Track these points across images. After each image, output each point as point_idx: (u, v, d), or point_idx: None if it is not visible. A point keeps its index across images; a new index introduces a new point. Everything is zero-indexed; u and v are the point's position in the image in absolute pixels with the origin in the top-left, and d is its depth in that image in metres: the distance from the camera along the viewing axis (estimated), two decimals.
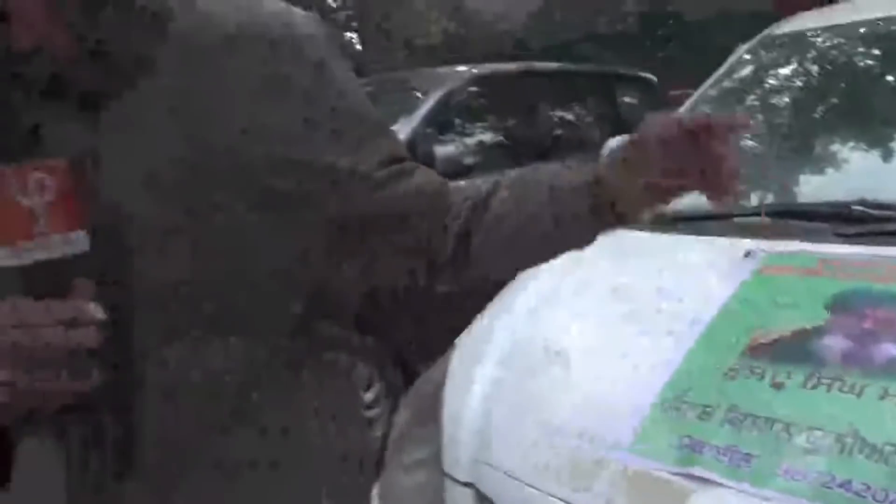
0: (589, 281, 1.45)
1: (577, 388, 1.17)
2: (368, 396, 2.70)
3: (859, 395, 0.95)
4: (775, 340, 1.09)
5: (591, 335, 1.31)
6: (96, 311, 0.54)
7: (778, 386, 1.01)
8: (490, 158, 3.59)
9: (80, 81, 0.59)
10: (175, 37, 0.62)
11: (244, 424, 0.66)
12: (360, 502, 0.80)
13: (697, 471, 0.94)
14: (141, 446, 0.62)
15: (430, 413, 1.33)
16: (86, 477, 0.62)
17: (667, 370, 1.11)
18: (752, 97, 1.97)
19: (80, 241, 0.55)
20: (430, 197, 0.72)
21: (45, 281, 0.54)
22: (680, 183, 0.65)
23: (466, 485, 1.15)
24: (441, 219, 0.72)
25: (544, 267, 1.57)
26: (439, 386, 1.37)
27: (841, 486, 0.85)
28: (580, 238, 0.73)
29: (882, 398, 0.93)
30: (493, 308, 1.52)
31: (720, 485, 0.91)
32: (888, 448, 0.86)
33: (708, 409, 1.01)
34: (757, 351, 1.09)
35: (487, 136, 3.67)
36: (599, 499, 0.98)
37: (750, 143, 1.78)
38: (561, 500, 1.02)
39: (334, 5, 23.81)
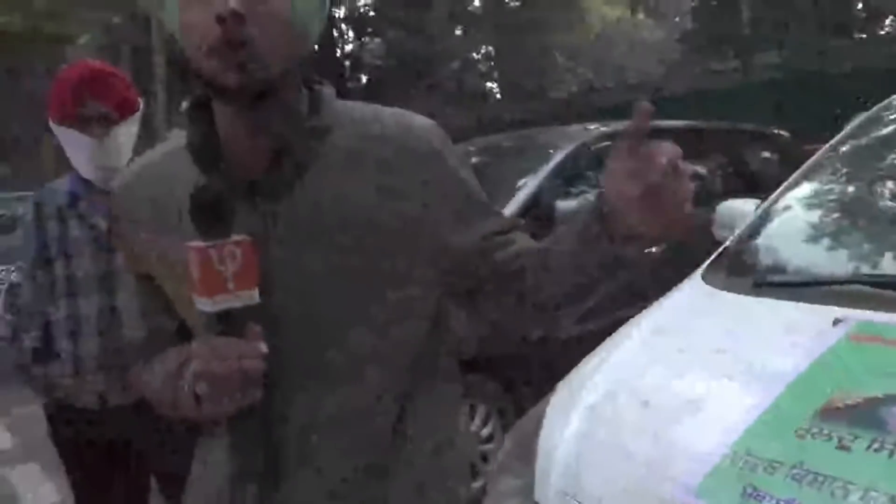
0: (681, 336, 1.57)
1: (658, 435, 1.30)
2: (485, 431, 2.90)
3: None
4: (848, 405, 1.17)
5: (677, 387, 1.42)
6: (262, 347, 0.77)
7: (844, 448, 1.09)
8: None
9: (266, 187, 0.83)
10: (331, 143, 0.86)
11: (363, 440, 0.87)
12: None
13: None
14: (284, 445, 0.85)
15: (528, 448, 1.49)
16: (247, 470, 0.86)
17: (743, 424, 1.22)
18: (865, 163, 2.01)
19: (253, 296, 0.77)
20: (527, 259, 0.90)
21: (229, 324, 0.77)
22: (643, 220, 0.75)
23: None
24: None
25: (642, 320, 1.72)
26: (538, 423, 1.53)
27: None
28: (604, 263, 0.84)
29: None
30: (593, 357, 1.68)
31: None
32: None
33: (774, 464, 1.11)
34: (829, 414, 1.17)
35: None
36: None
37: (855, 209, 1.84)
38: None
39: (477, 57, 24.71)
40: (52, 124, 1.79)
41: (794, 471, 1.09)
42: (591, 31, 22.01)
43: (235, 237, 0.77)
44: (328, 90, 0.90)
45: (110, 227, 1.23)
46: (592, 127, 4.06)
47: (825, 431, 1.14)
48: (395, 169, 0.86)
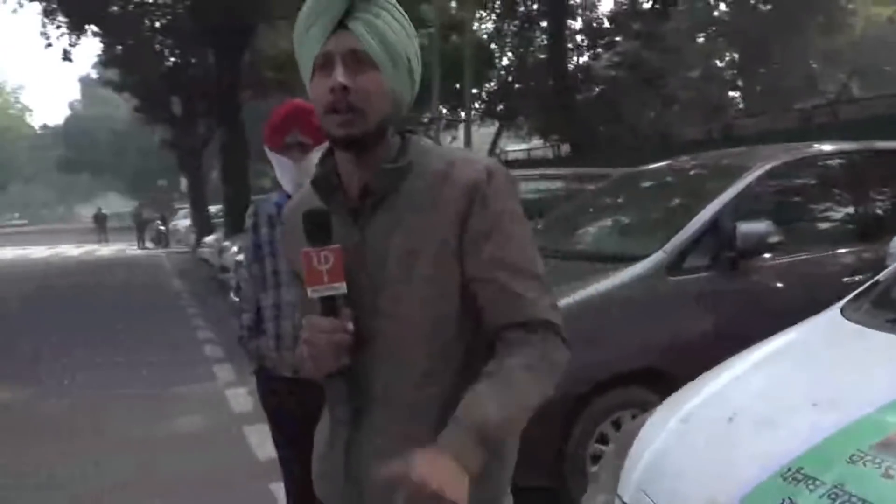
0: (792, 361, 1.64)
1: (730, 446, 1.41)
2: None
3: None
4: None
5: (764, 407, 1.51)
6: (349, 326, 1.09)
7: (888, 477, 1.15)
8: (807, 238, 3.58)
9: (358, 207, 1.15)
10: (410, 180, 1.15)
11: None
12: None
13: None
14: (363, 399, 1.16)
15: (625, 449, 1.66)
16: (339, 419, 1.18)
17: (807, 445, 1.30)
18: None
19: (342, 288, 1.09)
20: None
21: (327, 308, 1.10)
22: None
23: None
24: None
25: (766, 344, 1.79)
26: (638, 427, 1.69)
27: None
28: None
29: None
30: (706, 374, 1.79)
31: None
32: None
33: (817, 482, 1.19)
34: (888, 445, 1.21)
35: (807, 216, 3.66)
36: None
37: None
38: None
39: (721, 65, 23.46)
40: (266, 149, 2.31)
41: (833, 490, 1.16)
42: (852, 33, 19.84)
43: (331, 245, 1.09)
44: (415, 138, 1.20)
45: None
46: (798, 147, 3.91)
47: (877, 460, 1.19)
48: (452, 202, 1.13)
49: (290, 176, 2.26)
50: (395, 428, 1.17)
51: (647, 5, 17.60)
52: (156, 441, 4.44)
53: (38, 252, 24.52)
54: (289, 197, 2.31)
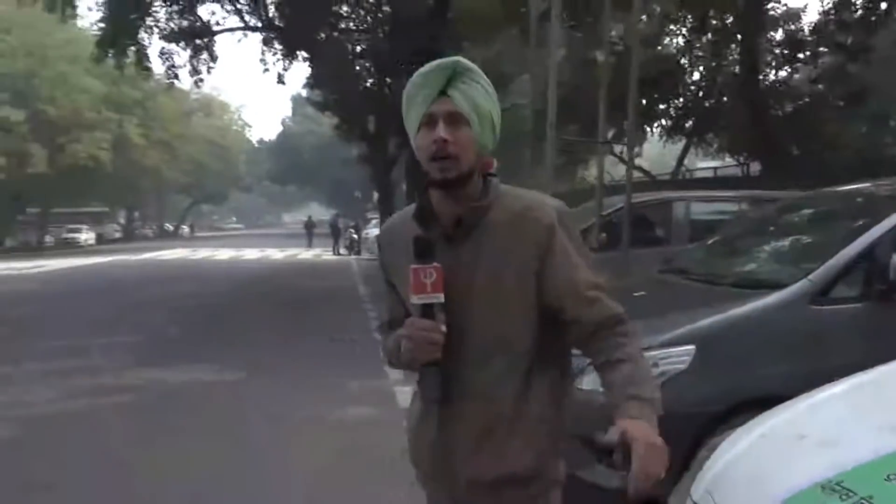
0: (879, 389, 1.73)
1: (791, 460, 1.55)
2: None
3: None
4: None
5: (833, 427, 1.63)
6: (442, 327, 1.40)
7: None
8: None
9: (451, 234, 1.46)
10: (491, 215, 1.45)
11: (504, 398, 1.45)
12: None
13: None
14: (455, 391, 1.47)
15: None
16: (431, 399, 1.49)
17: (854, 463, 1.41)
18: None
19: (440, 297, 1.39)
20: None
21: (426, 312, 1.40)
22: None
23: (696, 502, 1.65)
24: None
25: (864, 372, 1.87)
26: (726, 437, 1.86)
27: None
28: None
29: None
30: (805, 394, 1.89)
31: None
32: None
33: (850, 494, 1.32)
34: None
35: None
36: None
37: None
38: None
39: None
40: None
41: (860, 501, 1.29)
42: None
43: (434, 264, 1.40)
44: (495, 181, 1.50)
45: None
46: None
47: None
48: (526, 235, 1.44)
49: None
50: (474, 416, 1.48)
51: (856, 15, 16.26)
52: (329, 425, 5.10)
53: (250, 254, 27.24)
54: None
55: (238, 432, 4.94)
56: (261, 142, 68.40)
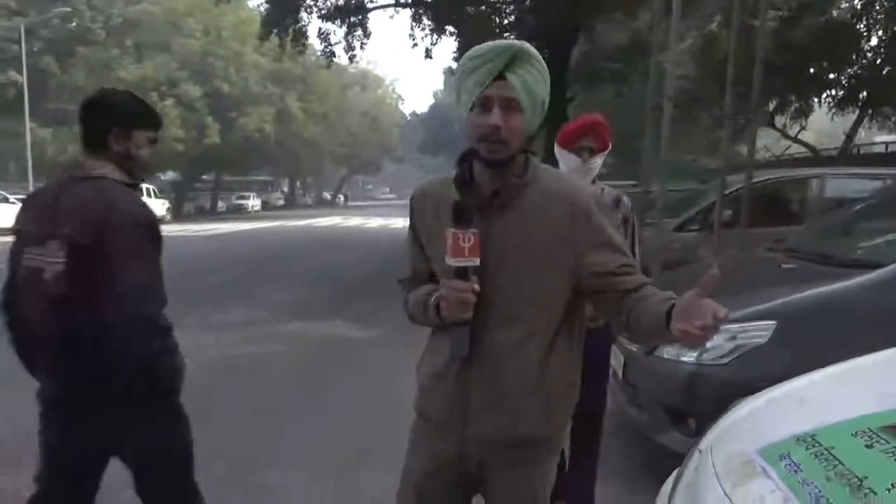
0: (883, 367, 1.80)
1: (783, 420, 1.68)
2: None
3: None
4: None
5: (827, 394, 1.74)
6: (476, 288, 1.51)
7: (868, 447, 1.37)
8: None
9: (487, 205, 1.59)
10: (530, 191, 1.59)
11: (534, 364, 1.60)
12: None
13: (770, 470, 1.44)
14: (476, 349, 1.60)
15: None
16: (457, 355, 1.62)
17: (836, 419, 1.53)
18: None
19: (476, 261, 1.48)
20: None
21: (461, 274, 1.50)
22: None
23: (701, 451, 1.81)
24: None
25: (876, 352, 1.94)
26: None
27: (813, 491, 1.28)
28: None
29: None
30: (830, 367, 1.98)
31: (770, 478, 1.41)
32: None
33: (815, 444, 1.45)
34: (894, 429, 1.41)
35: None
36: (732, 473, 1.56)
37: None
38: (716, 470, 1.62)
39: None
40: (557, 147, 2.91)
41: (820, 450, 1.42)
42: None
43: (472, 229, 1.49)
44: (535, 159, 1.63)
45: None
46: None
47: (873, 437, 1.40)
48: (560, 214, 1.57)
49: (573, 171, 2.84)
50: (496, 376, 1.58)
51: None
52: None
53: (398, 223, 28.40)
54: None
55: (394, 385, 5.08)
56: (413, 114, 70.30)
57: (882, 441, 1.38)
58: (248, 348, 6.55)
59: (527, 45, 1.51)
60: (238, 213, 41.23)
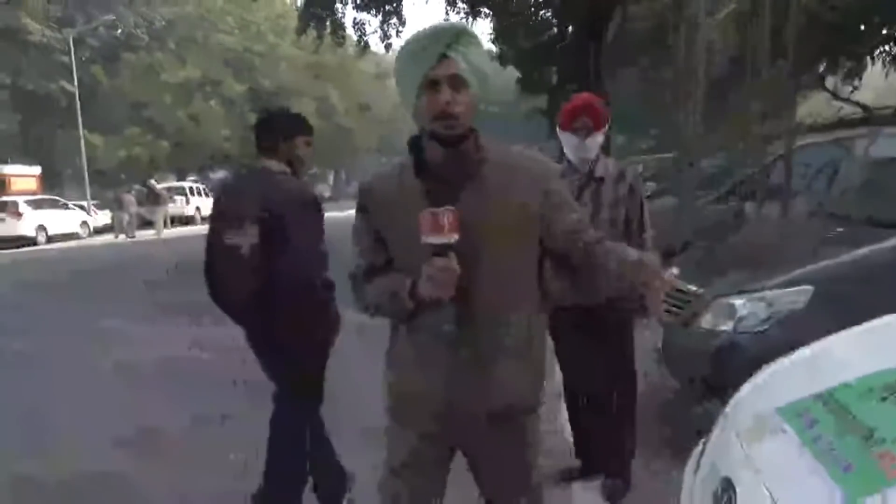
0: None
1: (800, 379, 1.72)
2: None
3: None
4: None
5: (840, 354, 1.77)
6: (456, 267, 1.49)
7: (883, 400, 1.41)
8: None
9: (449, 184, 1.58)
10: (485, 167, 1.61)
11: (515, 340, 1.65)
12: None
13: (787, 426, 1.49)
14: (465, 323, 1.60)
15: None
16: (442, 331, 1.62)
17: (853, 377, 1.57)
18: None
19: (455, 237, 1.46)
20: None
21: (440, 252, 1.46)
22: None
23: (726, 414, 1.87)
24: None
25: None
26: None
27: (825, 444, 1.33)
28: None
29: None
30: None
31: (786, 433, 1.46)
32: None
33: (832, 402, 1.50)
34: None
35: None
36: (751, 432, 1.61)
37: None
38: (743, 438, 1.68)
39: None
40: (558, 128, 3.00)
41: (835, 406, 1.47)
42: None
43: (449, 207, 1.48)
44: (482, 137, 1.65)
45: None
46: None
47: (889, 390, 1.44)
48: (521, 183, 1.62)
49: (573, 150, 2.95)
50: (482, 351, 1.62)
51: None
52: None
53: None
54: (571, 165, 2.99)
55: None
56: None
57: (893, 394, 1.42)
58: None
59: (465, 24, 1.54)
60: None
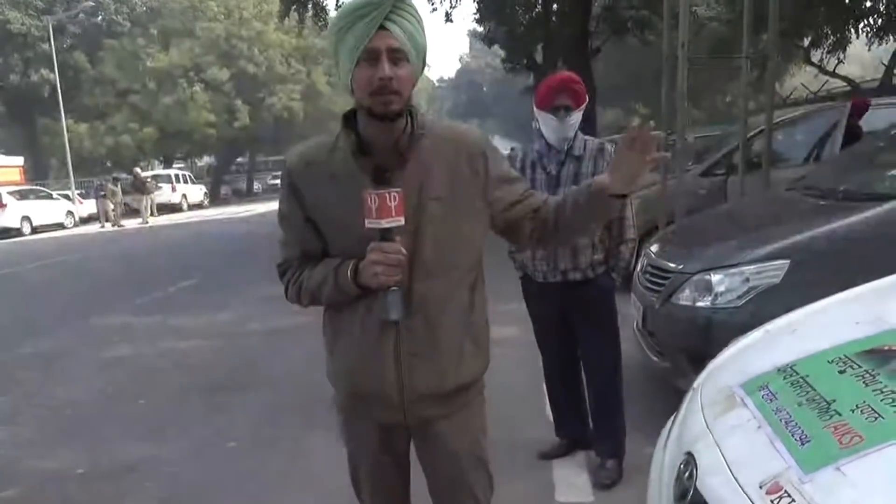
0: (871, 298, 1.82)
1: (771, 350, 1.72)
2: None
3: (867, 384, 1.31)
4: (886, 350, 1.42)
5: (817, 324, 1.76)
6: (403, 250, 1.47)
7: (841, 373, 1.41)
8: None
9: (387, 162, 1.54)
10: (424, 142, 1.57)
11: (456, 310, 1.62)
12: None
13: (748, 400, 1.49)
14: (411, 305, 1.56)
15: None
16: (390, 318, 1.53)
17: (816, 349, 1.56)
18: None
19: (402, 220, 1.43)
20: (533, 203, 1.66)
21: (386, 235, 1.44)
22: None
23: (694, 388, 1.86)
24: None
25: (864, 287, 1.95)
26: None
27: (784, 417, 1.33)
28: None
29: (868, 384, 1.29)
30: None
31: (747, 407, 1.46)
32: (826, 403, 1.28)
33: (791, 374, 1.49)
34: (869, 354, 1.44)
35: None
36: (715, 406, 1.61)
37: None
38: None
39: None
40: (535, 108, 2.98)
41: (797, 379, 1.46)
42: None
43: (395, 188, 1.44)
44: (421, 112, 1.61)
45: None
46: None
47: (849, 362, 1.43)
48: (461, 157, 1.60)
49: (552, 130, 2.94)
50: (431, 330, 1.58)
51: None
52: None
53: None
54: (549, 146, 2.98)
55: None
56: (441, 80, 69.83)
57: (855, 366, 1.41)
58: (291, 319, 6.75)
59: None
60: (274, 192, 41.76)
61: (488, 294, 1.76)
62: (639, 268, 4.05)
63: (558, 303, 3.06)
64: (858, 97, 7.68)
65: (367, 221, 1.45)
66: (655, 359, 3.76)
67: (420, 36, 1.51)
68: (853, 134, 5.91)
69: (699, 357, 3.36)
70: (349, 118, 1.61)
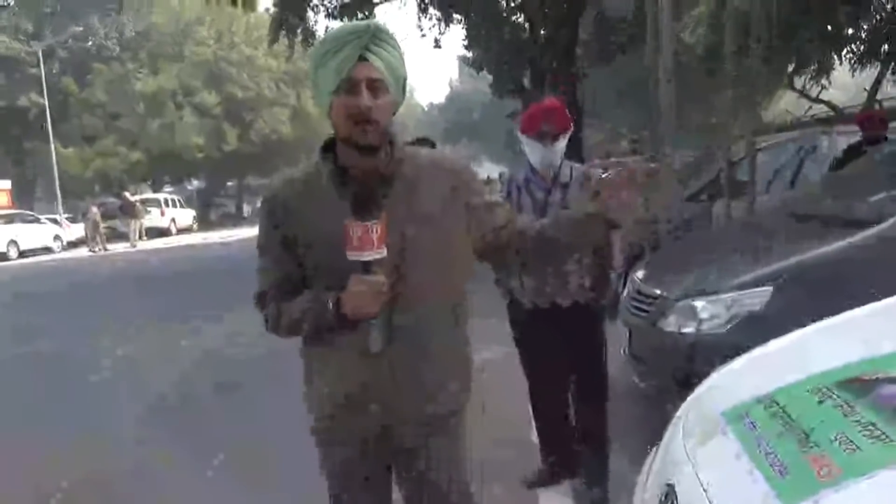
0: (865, 323, 1.83)
1: (757, 377, 1.72)
2: None
3: (846, 414, 1.32)
4: (864, 380, 1.43)
5: (804, 350, 1.77)
6: (385, 280, 1.48)
7: (820, 402, 1.41)
8: None
9: (368, 191, 1.52)
10: (403, 170, 1.59)
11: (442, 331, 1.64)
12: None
13: (729, 429, 1.49)
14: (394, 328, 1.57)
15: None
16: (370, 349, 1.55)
17: (794, 379, 1.57)
18: None
19: (384, 252, 1.44)
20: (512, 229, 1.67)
21: (368, 267, 1.44)
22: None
23: (678, 416, 1.86)
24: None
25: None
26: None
27: (764, 447, 1.33)
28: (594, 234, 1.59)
29: (846, 415, 1.30)
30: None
31: (727, 436, 1.46)
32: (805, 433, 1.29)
33: (773, 405, 1.49)
34: (848, 384, 1.45)
35: None
36: (697, 434, 1.61)
37: None
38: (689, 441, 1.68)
39: None
40: (520, 134, 3.01)
41: (776, 409, 1.46)
42: None
43: (376, 220, 1.42)
44: (400, 142, 1.63)
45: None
46: None
47: (828, 393, 1.44)
48: (442, 184, 1.61)
49: (538, 156, 2.97)
50: (414, 358, 1.59)
51: None
52: None
53: None
54: (535, 172, 3.00)
55: None
56: (430, 105, 70.20)
57: (834, 396, 1.42)
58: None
59: (382, 24, 1.50)
60: None
61: (473, 317, 1.76)
62: (625, 293, 4.06)
63: (546, 329, 3.06)
64: (860, 115, 7.72)
65: (348, 253, 1.45)
66: (642, 384, 3.76)
67: (400, 66, 1.53)
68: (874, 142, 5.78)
69: (685, 383, 3.37)
70: (328, 147, 1.62)
